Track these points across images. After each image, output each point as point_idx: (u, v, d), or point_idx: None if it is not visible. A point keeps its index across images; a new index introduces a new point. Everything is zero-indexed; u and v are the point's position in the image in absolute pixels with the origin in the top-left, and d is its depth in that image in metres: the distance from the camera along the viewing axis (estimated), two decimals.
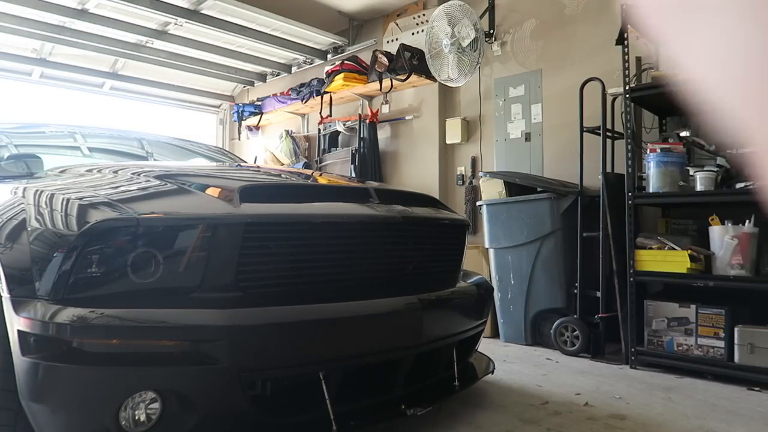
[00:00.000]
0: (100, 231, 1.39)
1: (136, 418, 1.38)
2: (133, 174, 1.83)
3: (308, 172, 2.51)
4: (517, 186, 3.46)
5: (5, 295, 1.48)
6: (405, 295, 1.73)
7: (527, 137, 4.11)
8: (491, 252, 3.57)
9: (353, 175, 4.75)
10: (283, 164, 5.36)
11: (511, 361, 2.99)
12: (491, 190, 3.63)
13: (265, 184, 1.73)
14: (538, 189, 3.32)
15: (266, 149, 5.68)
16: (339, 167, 5.04)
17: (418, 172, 4.70)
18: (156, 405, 1.40)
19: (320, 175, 2.45)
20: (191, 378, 1.37)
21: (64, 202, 1.54)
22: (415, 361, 1.85)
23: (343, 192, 1.88)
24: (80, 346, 1.33)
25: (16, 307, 1.43)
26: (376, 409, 1.71)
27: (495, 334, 3.63)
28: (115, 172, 1.93)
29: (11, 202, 1.75)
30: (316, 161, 5.20)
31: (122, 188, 1.68)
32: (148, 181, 1.72)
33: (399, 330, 1.70)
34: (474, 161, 4.43)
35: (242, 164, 2.88)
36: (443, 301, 1.89)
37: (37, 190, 1.71)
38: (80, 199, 1.53)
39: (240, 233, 1.48)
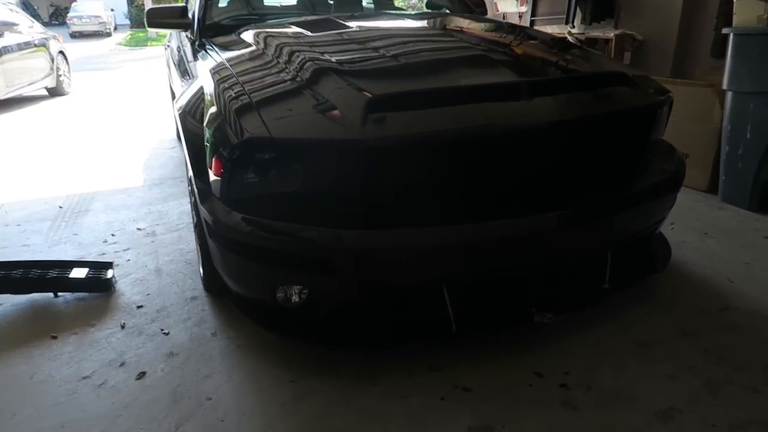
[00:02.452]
0: (245, 148, 1.54)
1: (288, 298, 1.69)
2: (297, 68, 1.84)
3: (498, 38, 2.17)
4: None
5: (194, 182, 1.81)
6: (554, 210, 1.58)
7: None
8: (728, 95, 2.86)
9: None
10: None
11: (714, 236, 2.61)
12: (748, 13, 2.74)
13: (394, 94, 1.62)
14: None
15: None
16: None
17: None
18: (304, 293, 1.67)
19: (509, 44, 2.12)
20: (323, 281, 1.59)
21: (228, 108, 1.68)
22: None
23: (486, 92, 1.66)
24: (239, 245, 1.62)
25: (201, 198, 1.75)
26: (502, 312, 1.75)
27: (713, 189, 3.12)
28: (281, 55, 1.98)
29: (200, 87, 1.99)
30: None
31: (275, 91, 1.74)
32: (302, 82, 1.73)
33: (540, 249, 1.62)
34: None
35: (446, 32, 2.52)
36: (605, 211, 1.68)
37: (216, 81, 1.88)
38: (238, 108, 1.64)
39: (365, 155, 1.49)
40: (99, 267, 2.32)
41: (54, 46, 7.92)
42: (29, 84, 7.17)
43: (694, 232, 2.64)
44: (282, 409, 1.56)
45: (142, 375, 1.74)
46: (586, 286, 1.86)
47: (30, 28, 7.56)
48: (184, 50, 2.90)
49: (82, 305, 2.16)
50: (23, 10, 13.67)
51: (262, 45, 2.17)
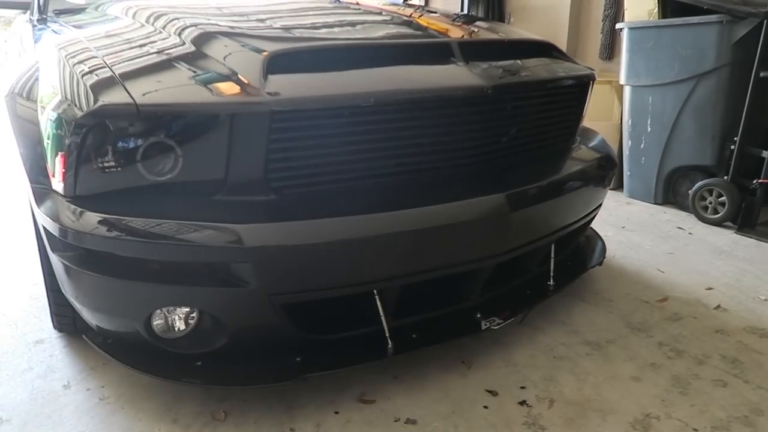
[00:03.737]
0: (97, 120, 1.12)
1: (170, 326, 1.27)
2: (176, 34, 1.44)
3: (398, 11, 1.88)
4: (675, 4, 2.59)
5: (27, 181, 1.33)
6: (491, 193, 1.32)
7: None
8: (627, 90, 2.87)
9: None
10: None
11: (631, 229, 2.55)
12: (639, 8, 2.78)
13: (301, 49, 1.30)
14: (705, 7, 2.44)
15: None
16: None
17: None
18: (192, 317, 1.26)
19: (410, 16, 1.85)
20: (215, 298, 1.19)
21: (73, 76, 1.24)
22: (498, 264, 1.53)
23: (413, 51, 1.39)
24: (97, 258, 1.17)
25: (37, 199, 1.28)
26: (445, 321, 1.45)
27: (618, 186, 3.12)
28: (157, 24, 1.57)
29: (36, 65, 1.51)
30: None
31: (146, 61, 1.32)
32: (183, 48, 1.35)
33: (478, 240, 1.33)
34: None
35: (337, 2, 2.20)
36: (544, 194, 1.44)
37: (65, 56, 1.39)
38: (94, 82, 1.20)
39: (264, 123, 1.14)
40: None
41: None
42: None
43: (612, 226, 2.57)
44: None
45: None
46: (531, 282, 1.63)
47: None
48: (21, 37, 2.33)
49: None
50: None
51: (131, 17, 1.72)
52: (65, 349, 1.61)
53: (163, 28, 1.52)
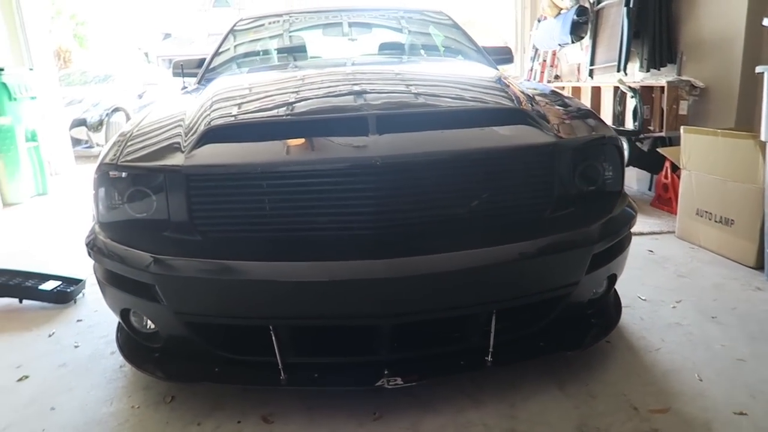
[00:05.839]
0: (101, 173, 1.63)
1: (143, 324, 1.71)
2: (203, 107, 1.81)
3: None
4: None
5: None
6: (376, 258, 1.41)
7: None
8: None
9: (626, 25, 3.61)
10: (561, 9, 4.49)
11: (723, 321, 2.08)
12: None
13: (232, 124, 1.60)
14: None
15: None
16: (614, 11, 3.88)
17: (717, 12, 3.23)
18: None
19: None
20: (147, 307, 1.58)
21: (115, 138, 1.80)
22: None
23: (332, 124, 1.55)
24: (96, 266, 1.69)
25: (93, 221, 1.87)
26: (349, 369, 1.57)
27: (760, 265, 2.51)
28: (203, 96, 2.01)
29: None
30: (592, 3, 4.14)
31: (158, 127, 1.78)
32: (189, 119, 1.75)
33: (357, 300, 1.44)
34: None
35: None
36: (443, 265, 1.43)
37: (140, 114, 2.02)
38: (120, 135, 1.76)
39: (184, 183, 1.49)
40: (70, 282, 2.55)
41: None
42: None
43: (700, 314, 2.14)
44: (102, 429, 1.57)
45: (23, 379, 1.86)
46: (466, 352, 1.60)
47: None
48: None
49: (38, 312, 2.39)
50: None
51: (202, 92, 2.12)
52: None
53: (200, 105, 1.88)
